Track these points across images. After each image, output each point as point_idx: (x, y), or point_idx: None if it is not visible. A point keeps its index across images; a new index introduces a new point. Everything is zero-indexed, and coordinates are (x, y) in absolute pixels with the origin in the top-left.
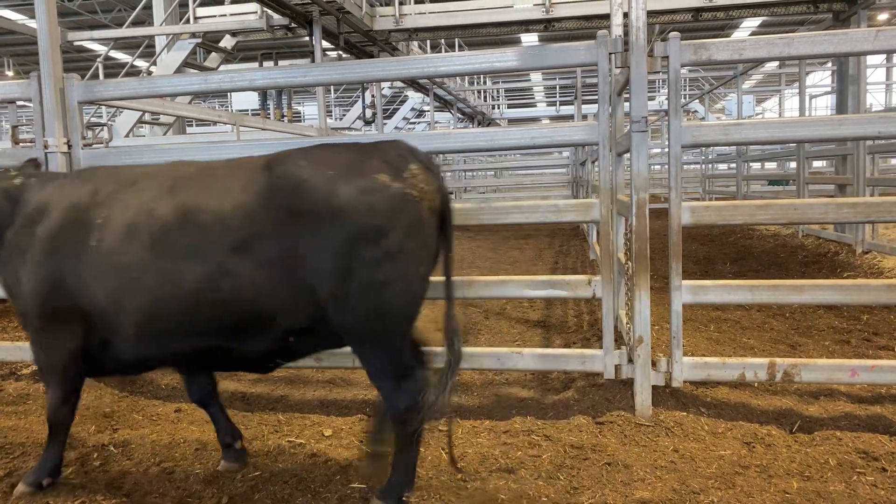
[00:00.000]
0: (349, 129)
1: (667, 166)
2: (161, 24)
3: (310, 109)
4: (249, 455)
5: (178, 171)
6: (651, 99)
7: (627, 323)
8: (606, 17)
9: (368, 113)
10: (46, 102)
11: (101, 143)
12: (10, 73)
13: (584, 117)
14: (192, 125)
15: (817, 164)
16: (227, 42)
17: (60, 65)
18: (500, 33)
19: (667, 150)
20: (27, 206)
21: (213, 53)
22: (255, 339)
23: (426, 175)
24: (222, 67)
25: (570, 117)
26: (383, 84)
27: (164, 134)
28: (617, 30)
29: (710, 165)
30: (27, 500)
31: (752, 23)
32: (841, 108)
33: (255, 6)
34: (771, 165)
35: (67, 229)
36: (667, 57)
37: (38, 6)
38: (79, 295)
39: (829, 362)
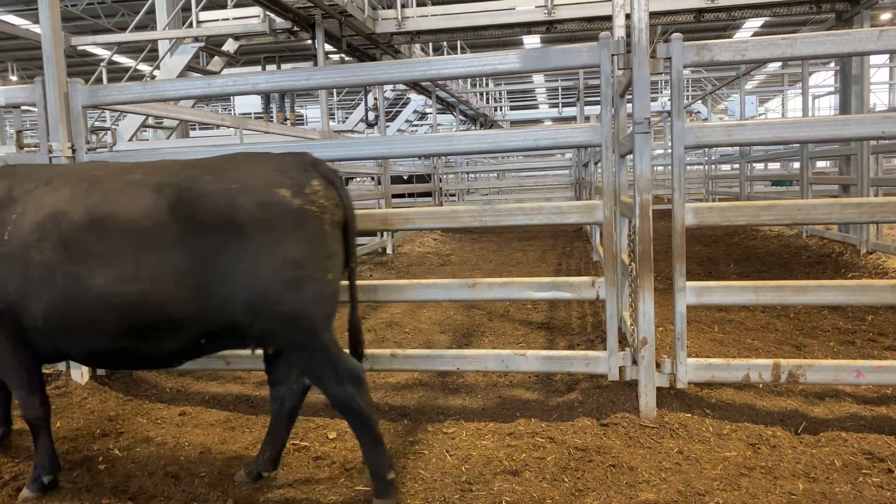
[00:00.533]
0: (352, 131)
1: (670, 167)
2: (164, 29)
3: (313, 112)
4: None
5: (94, 173)
6: (654, 100)
7: (631, 324)
8: (608, 18)
9: (371, 115)
10: (50, 107)
11: (105, 147)
12: (15, 78)
13: (587, 119)
14: (195, 129)
15: (821, 164)
16: (230, 46)
17: (64, 69)
18: (502, 35)
19: (670, 151)
20: None
21: (216, 57)
22: (166, 341)
23: (327, 190)
24: (225, 71)
25: (572, 119)
26: (386, 87)
27: (168, 138)
28: (619, 31)
29: (713, 166)
30: (33, 502)
31: (754, 23)
32: (844, 108)
33: (257, 10)
34: (774, 166)
35: None
36: (669, 58)
37: (41, 11)
38: None
39: (834, 363)
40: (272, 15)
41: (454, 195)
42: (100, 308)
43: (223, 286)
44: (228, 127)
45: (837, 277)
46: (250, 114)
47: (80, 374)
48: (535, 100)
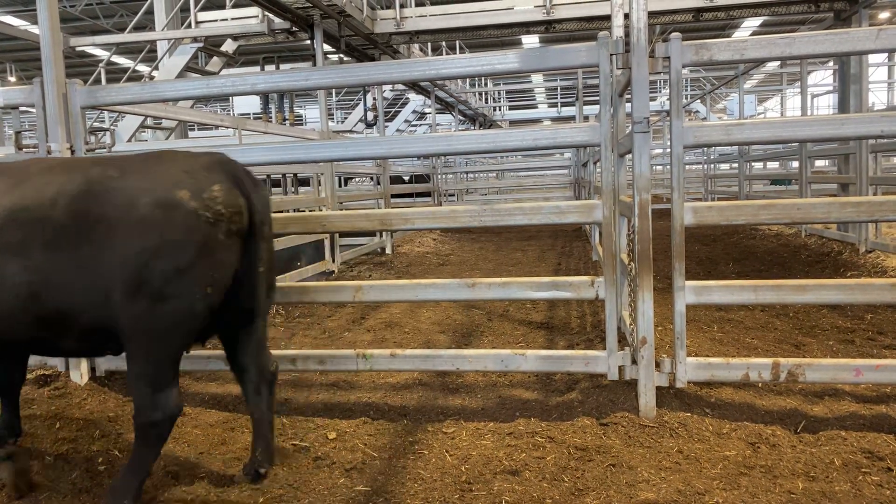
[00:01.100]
0: (351, 131)
1: (669, 167)
2: (163, 29)
3: (312, 113)
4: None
5: (31, 168)
6: (652, 99)
7: (631, 324)
8: (607, 18)
9: (370, 116)
10: (49, 108)
11: (104, 147)
12: (13, 79)
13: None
14: (194, 129)
15: (820, 163)
16: (229, 46)
17: (63, 70)
18: (501, 35)
19: (669, 150)
20: None
21: (215, 58)
22: (69, 333)
23: (228, 196)
24: (224, 72)
25: (571, 119)
26: (385, 87)
27: (167, 138)
28: (618, 31)
29: (712, 165)
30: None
31: (753, 22)
32: (843, 107)
33: (256, 10)
34: (773, 165)
35: None
36: (668, 57)
37: (40, 12)
38: None
39: (833, 362)
40: (271, 15)
41: (453, 195)
42: (10, 300)
43: (110, 284)
44: (227, 127)
45: (836, 276)
46: (249, 114)
47: (79, 375)
48: (534, 99)
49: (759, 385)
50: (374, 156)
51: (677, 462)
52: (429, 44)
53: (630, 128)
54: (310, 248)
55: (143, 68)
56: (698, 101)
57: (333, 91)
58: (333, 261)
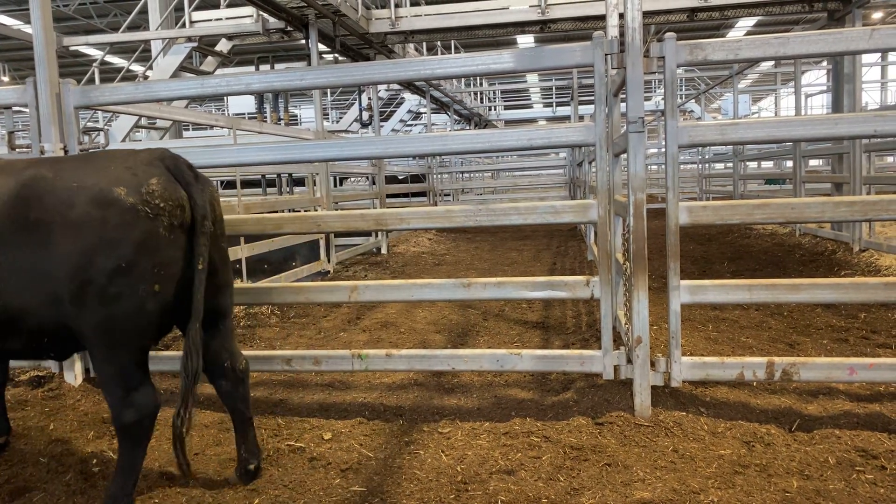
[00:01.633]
0: (346, 131)
1: (664, 166)
2: (157, 29)
3: (306, 112)
4: None
5: None
6: (647, 99)
7: (626, 323)
8: (602, 18)
9: (365, 115)
10: (42, 108)
11: (98, 147)
12: (6, 79)
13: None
14: (188, 129)
15: (814, 162)
16: (224, 46)
17: (56, 70)
18: (496, 35)
19: (664, 150)
20: None
21: (210, 57)
22: (13, 336)
23: (167, 190)
24: (219, 71)
25: (566, 118)
26: (380, 87)
27: (161, 138)
28: (613, 31)
29: (706, 165)
30: None
31: (747, 22)
32: (836, 106)
33: (251, 10)
34: (767, 164)
35: None
36: (663, 57)
37: (33, 11)
38: None
39: (827, 361)
40: (265, 15)
41: (449, 195)
42: None
43: (53, 285)
44: (222, 127)
45: (830, 275)
46: (244, 114)
47: (73, 376)
48: (530, 99)
49: (754, 384)
50: (370, 156)
51: (672, 461)
52: (424, 43)
53: (625, 127)
54: (305, 248)
55: (138, 68)
56: (693, 100)
57: (328, 91)
58: (329, 261)
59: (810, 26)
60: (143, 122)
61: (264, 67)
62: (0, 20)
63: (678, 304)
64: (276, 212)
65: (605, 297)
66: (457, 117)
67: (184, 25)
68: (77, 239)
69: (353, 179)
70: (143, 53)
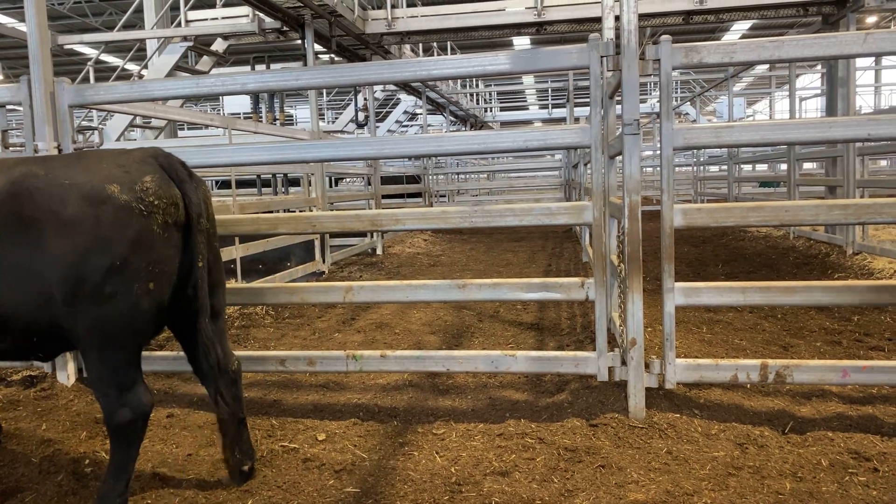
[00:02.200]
0: (342, 132)
1: (659, 168)
2: (152, 28)
3: (302, 112)
4: None
5: None
6: (643, 101)
7: (620, 325)
8: (598, 20)
9: (361, 116)
10: (36, 106)
11: (92, 146)
12: (0, 77)
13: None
14: (183, 129)
15: (808, 166)
16: (219, 45)
17: (51, 68)
18: (492, 36)
19: (659, 152)
20: None
21: (205, 57)
22: (1, 336)
23: (161, 188)
24: (214, 71)
25: (562, 120)
26: (376, 87)
27: (156, 138)
28: (608, 33)
29: (701, 167)
30: None
31: (742, 26)
32: (831, 110)
33: (246, 9)
34: (762, 167)
35: None
36: (658, 60)
37: (27, 9)
38: None
39: (820, 363)
40: (261, 14)
41: (444, 196)
42: None
43: (44, 284)
44: (217, 127)
45: (824, 278)
46: (239, 114)
47: (65, 375)
48: (525, 101)
49: (748, 386)
50: (365, 156)
51: (666, 463)
52: (420, 44)
53: (620, 129)
54: (300, 248)
55: (133, 67)
56: (688, 103)
57: (324, 91)
58: (324, 261)
59: (805, 30)
60: (138, 121)
61: (260, 67)
62: None
63: (672, 305)
64: (272, 212)
65: (599, 299)
66: (453, 118)
67: (179, 25)
68: (70, 237)
69: (348, 180)
70: (138, 52)
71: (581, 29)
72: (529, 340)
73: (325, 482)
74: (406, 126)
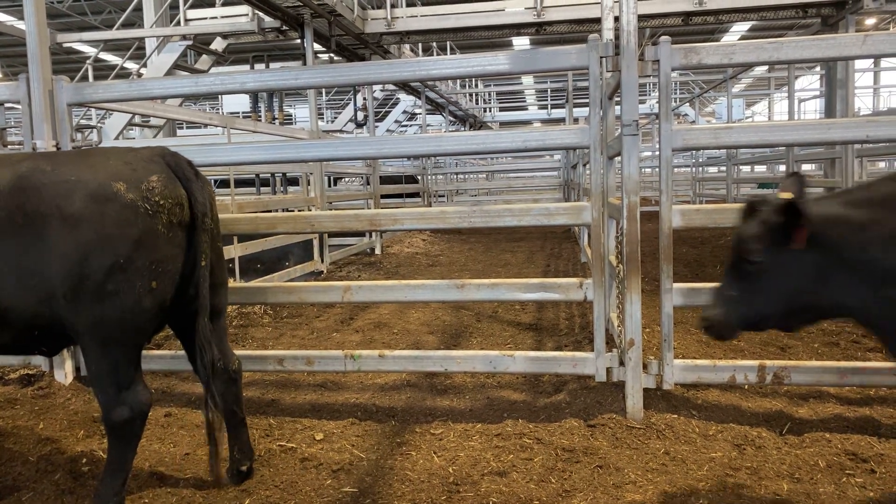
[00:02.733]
0: (341, 131)
1: (657, 169)
2: (151, 27)
3: (301, 112)
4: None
5: None
6: (642, 102)
7: (619, 326)
8: (597, 20)
9: (360, 116)
10: (35, 105)
11: (91, 145)
12: None
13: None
14: (182, 128)
15: (806, 167)
16: (218, 44)
17: (49, 67)
18: (491, 37)
19: (657, 153)
20: None
21: (204, 56)
22: (2, 330)
23: (167, 187)
24: (213, 70)
25: (561, 121)
26: (375, 87)
27: (155, 136)
28: (608, 34)
29: (700, 168)
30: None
31: (741, 27)
32: (829, 111)
33: (246, 8)
34: (760, 168)
35: None
36: (657, 61)
37: (26, 7)
38: None
39: (818, 364)
40: (261, 14)
41: (443, 196)
42: None
43: (47, 279)
44: (216, 126)
45: None
46: (238, 113)
47: (63, 374)
48: (525, 101)
49: (746, 387)
50: (364, 156)
51: (664, 463)
52: (419, 44)
53: (619, 130)
54: (298, 248)
55: (132, 66)
56: (687, 104)
57: (323, 90)
58: (322, 261)
59: (804, 31)
60: (137, 120)
61: (259, 66)
62: None
63: (671, 306)
64: (270, 211)
65: (598, 300)
66: (452, 118)
67: (178, 23)
68: (74, 233)
69: (347, 180)
70: (137, 51)
71: (580, 29)
72: (528, 341)
73: (323, 482)
74: (405, 126)
